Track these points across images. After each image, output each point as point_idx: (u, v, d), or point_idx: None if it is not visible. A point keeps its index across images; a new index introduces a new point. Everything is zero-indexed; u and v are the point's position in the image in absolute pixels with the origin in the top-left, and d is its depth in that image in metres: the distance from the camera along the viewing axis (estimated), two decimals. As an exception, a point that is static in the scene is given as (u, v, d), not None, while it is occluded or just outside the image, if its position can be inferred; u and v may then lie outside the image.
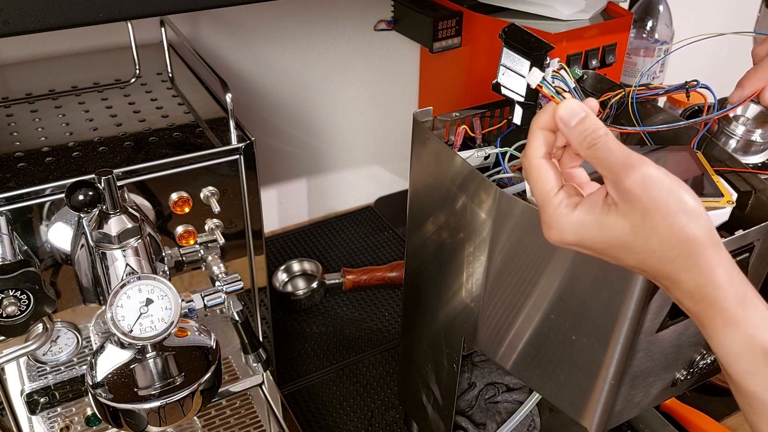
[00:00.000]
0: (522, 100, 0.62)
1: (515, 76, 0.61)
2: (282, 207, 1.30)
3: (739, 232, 0.54)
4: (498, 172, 0.67)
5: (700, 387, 0.82)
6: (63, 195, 0.57)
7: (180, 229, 0.72)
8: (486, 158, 0.68)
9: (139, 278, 0.57)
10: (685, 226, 0.43)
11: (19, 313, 0.56)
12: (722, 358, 0.45)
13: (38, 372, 0.73)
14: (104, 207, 0.58)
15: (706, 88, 0.64)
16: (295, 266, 1.17)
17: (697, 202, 0.44)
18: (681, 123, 0.64)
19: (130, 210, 0.60)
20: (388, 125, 1.32)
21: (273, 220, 1.31)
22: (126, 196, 0.66)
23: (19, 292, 0.56)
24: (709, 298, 0.44)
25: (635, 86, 0.67)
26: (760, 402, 0.45)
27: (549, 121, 0.47)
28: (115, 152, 0.71)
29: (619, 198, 0.44)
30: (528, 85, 0.60)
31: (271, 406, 0.86)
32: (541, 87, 0.58)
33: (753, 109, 0.65)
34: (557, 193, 0.47)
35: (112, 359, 0.59)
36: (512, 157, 0.68)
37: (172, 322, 0.58)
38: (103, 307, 0.58)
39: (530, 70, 0.59)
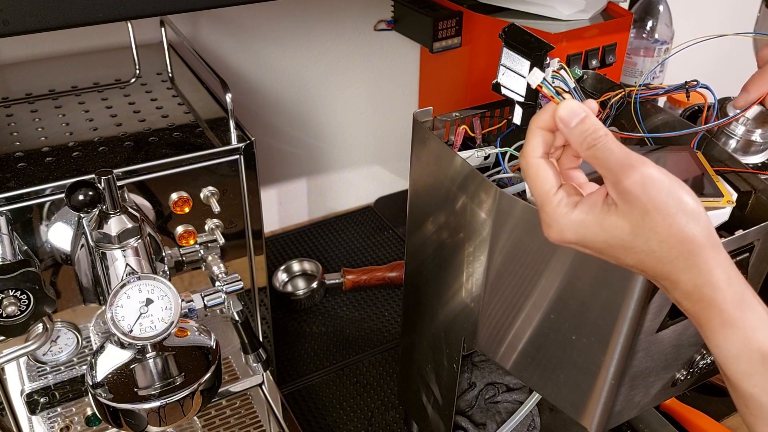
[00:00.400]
0: (522, 100, 0.62)
1: (515, 76, 0.61)
2: (282, 207, 1.30)
3: (739, 232, 0.54)
4: (498, 172, 0.67)
5: (700, 387, 0.82)
6: (63, 195, 0.57)
7: (180, 229, 0.72)
8: (486, 158, 0.68)
9: (139, 278, 0.57)
10: (684, 227, 0.43)
11: (19, 313, 0.56)
12: (720, 359, 0.45)
13: (38, 372, 0.73)
14: (104, 207, 0.58)
15: (706, 88, 0.64)
16: (295, 266, 1.17)
17: (697, 203, 0.44)
18: (689, 130, 0.64)
19: (130, 210, 0.60)
20: (388, 125, 1.32)
21: (273, 220, 1.30)
22: (126, 196, 0.66)
23: (19, 292, 0.56)
24: (707, 299, 0.44)
25: (639, 87, 0.67)
26: (757, 403, 0.45)
27: (548, 121, 0.47)
28: (115, 152, 0.71)
29: (619, 198, 0.44)
30: (528, 85, 0.60)
31: (271, 406, 0.86)
32: (541, 87, 0.58)
33: (753, 110, 0.65)
34: (556, 192, 0.47)
35: (112, 359, 0.59)
36: (512, 157, 0.68)
37: (172, 322, 0.58)
38: (103, 307, 0.58)
39: (531, 70, 0.59)
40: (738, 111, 0.63)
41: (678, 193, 0.43)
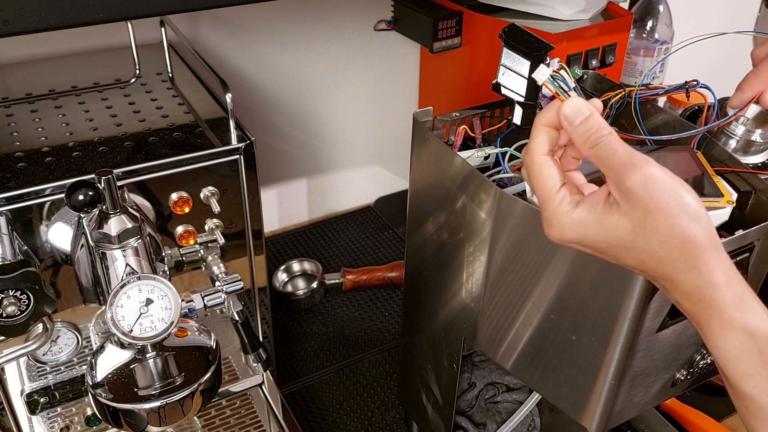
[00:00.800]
0: (522, 100, 0.62)
1: (515, 76, 0.61)
2: (282, 207, 1.30)
3: (739, 232, 0.54)
4: (498, 172, 0.67)
5: (700, 387, 0.82)
6: (63, 195, 0.57)
7: (180, 229, 0.72)
8: (486, 158, 0.68)
9: (139, 278, 0.57)
10: (686, 228, 0.43)
11: (19, 313, 0.56)
12: (719, 360, 0.45)
13: (38, 372, 0.73)
14: (104, 207, 0.58)
15: (706, 88, 0.64)
16: (295, 266, 1.17)
17: (699, 204, 0.44)
18: (689, 132, 0.64)
19: (130, 210, 0.60)
20: (388, 125, 1.32)
21: (273, 220, 1.30)
22: (126, 196, 0.66)
23: (19, 292, 0.56)
24: (707, 299, 0.44)
25: (638, 87, 0.67)
26: (757, 404, 0.45)
27: (553, 119, 0.47)
28: (115, 152, 0.71)
29: (621, 198, 0.44)
30: (528, 85, 0.60)
31: (271, 406, 0.86)
32: (546, 84, 0.58)
33: (753, 109, 0.65)
34: (559, 190, 0.47)
35: (112, 359, 0.59)
36: (512, 157, 0.68)
37: (172, 322, 0.58)
38: (103, 307, 0.58)
39: (532, 69, 0.59)
40: (737, 111, 0.63)
41: (680, 193, 0.43)
